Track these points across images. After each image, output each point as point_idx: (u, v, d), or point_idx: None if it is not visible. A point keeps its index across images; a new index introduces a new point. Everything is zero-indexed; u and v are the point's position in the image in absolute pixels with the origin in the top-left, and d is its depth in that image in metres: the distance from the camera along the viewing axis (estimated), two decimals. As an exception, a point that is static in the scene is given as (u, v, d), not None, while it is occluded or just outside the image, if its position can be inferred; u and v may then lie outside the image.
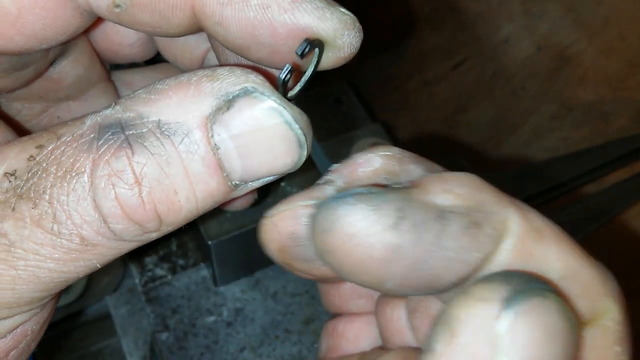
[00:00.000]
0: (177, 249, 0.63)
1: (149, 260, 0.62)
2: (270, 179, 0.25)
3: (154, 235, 0.24)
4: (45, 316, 0.27)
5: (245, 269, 0.60)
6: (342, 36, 0.25)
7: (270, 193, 0.53)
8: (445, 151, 1.02)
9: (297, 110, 0.24)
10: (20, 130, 0.32)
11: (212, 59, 0.34)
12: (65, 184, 0.22)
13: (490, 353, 0.18)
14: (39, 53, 0.29)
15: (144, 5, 0.25)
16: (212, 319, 0.58)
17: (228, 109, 0.23)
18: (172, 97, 0.23)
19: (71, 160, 0.23)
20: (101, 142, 0.23)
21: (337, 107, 0.90)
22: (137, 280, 0.60)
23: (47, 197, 0.22)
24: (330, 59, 0.26)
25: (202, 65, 0.34)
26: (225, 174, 0.24)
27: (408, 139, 1.06)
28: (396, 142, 0.87)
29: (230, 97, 0.23)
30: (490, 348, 0.18)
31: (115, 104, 0.24)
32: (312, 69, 0.26)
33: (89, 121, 0.23)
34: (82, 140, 0.23)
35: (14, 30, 0.25)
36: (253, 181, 0.25)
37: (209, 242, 0.51)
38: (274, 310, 0.59)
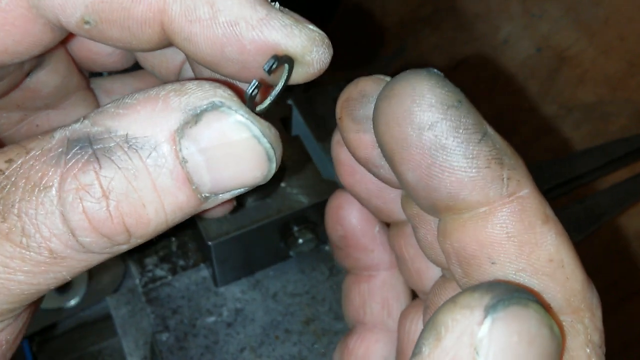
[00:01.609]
0: (177, 250, 0.63)
1: (149, 261, 0.62)
2: (241, 190, 0.25)
3: (123, 248, 0.25)
4: (20, 326, 0.27)
5: (246, 270, 0.60)
6: (310, 53, 0.26)
7: (270, 193, 0.53)
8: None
9: (265, 124, 0.24)
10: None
11: (188, 69, 0.34)
12: (34, 198, 0.23)
13: (470, 356, 0.19)
14: (13, 66, 0.29)
15: (113, 22, 0.25)
16: (212, 319, 0.58)
17: (196, 123, 0.23)
18: (141, 111, 0.23)
19: (39, 174, 0.23)
20: (69, 156, 0.23)
21: (337, 107, 0.90)
22: (137, 281, 0.60)
23: (15, 210, 0.23)
24: (300, 75, 0.27)
25: (179, 75, 0.35)
26: (194, 187, 0.24)
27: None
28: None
29: (198, 112, 0.23)
30: (471, 351, 0.19)
31: (84, 118, 0.24)
32: (282, 84, 0.26)
33: (58, 135, 0.24)
34: (51, 155, 0.23)
35: None
36: (223, 193, 0.25)
37: (209, 243, 0.51)
38: (274, 311, 0.59)
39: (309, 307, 0.59)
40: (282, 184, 0.54)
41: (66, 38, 0.29)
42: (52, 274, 0.24)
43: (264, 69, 0.25)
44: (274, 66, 0.25)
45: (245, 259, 0.58)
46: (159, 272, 0.61)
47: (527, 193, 0.23)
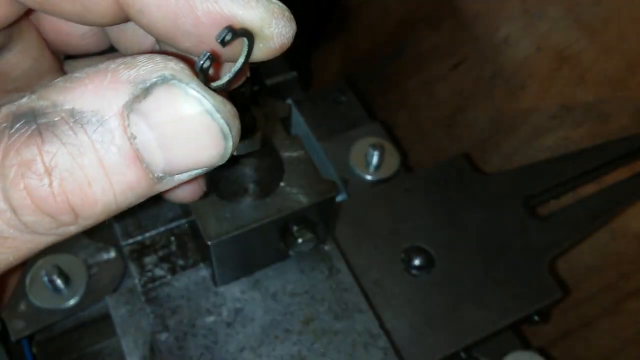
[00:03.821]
0: (176, 249, 0.63)
1: (149, 260, 0.62)
2: (198, 172, 0.24)
3: (71, 229, 0.24)
4: None
5: (245, 269, 0.60)
6: (269, 26, 0.25)
7: (270, 193, 0.53)
8: (444, 151, 1.02)
9: (219, 99, 0.23)
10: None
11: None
12: None
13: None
14: None
15: None
16: (211, 319, 0.58)
17: (145, 97, 0.22)
18: (88, 85, 0.23)
19: None
20: (12, 131, 0.22)
21: (337, 106, 0.90)
22: (136, 281, 0.60)
23: None
24: (262, 51, 0.26)
25: None
26: (144, 165, 0.23)
27: (407, 138, 1.06)
28: (396, 141, 0.87)
29: (148, 85, 0.23)
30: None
31: (32, 92, 0.23)
32: (242, 60, 0.25)
33: (4, 110, 0.23)
34: None
35: None
36: (179, 174, 0.24)
37: (209, 242, 0.51)
38: (273, 311, 0.59)
39: (308, 307, 0.59)
40: (282, 184, 0.54)
41: (29, 14, 0.28)
42: None
43: (217, 40, 0.23)
44: (227, 37, 0.23)
45: (244, 259, 0.58)
46: (158, 272, 0.61)
47: None
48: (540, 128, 0.88)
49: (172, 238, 0.63)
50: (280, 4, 0.25)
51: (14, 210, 0.22)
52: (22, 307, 0.69)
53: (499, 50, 0.90)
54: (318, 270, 0.61)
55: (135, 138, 0.22)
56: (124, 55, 0.34)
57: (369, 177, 0.79)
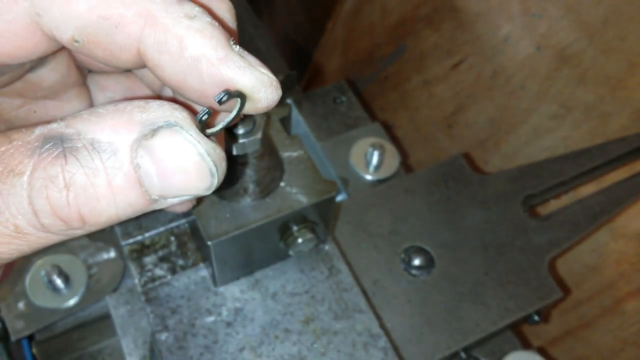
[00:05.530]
0: (176, 249, 0.63)
1: (149, 260, 0.62)
2: (188, 198, 0.30)
3: (78, 232, 0.29)
4: None
5: (245, 269, 0.60)
6: (259, 92, 0.30)
7: (270, 193, 0.53)
8: (444, 151, 1.02)
9: (211, 145, 0.29)
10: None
11: None
12: (8, 181, 0.27)
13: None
14: (15, 65, 0.33)
15: (98, 44, 0.30)
16: (211, 319, 0.58)
17: (152, 136, 0.28)
18: (108, 121, 0.28)
19: (16, 161, 0.27)
20: (43, 150, 0.27)
21: (337, 106, 0.90)
22: (136, 281, 0.60)
23: None
24: (251, 108, 0.31)
25: (162, 87, 0.40)
26: (144, 189, 0.28)
27: (407, 138, 1.06)
28: (396, 141, 0.87)
29: (155, 127, 0.28)
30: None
31: (62, 120, 0.28)
32: (233, 114, 0.31)
33: (37, 131, 0.28)
34: (28, 147, 0.27)
35: None
36: (171, 198, 0.29)
37: (209, 242, 0.51)
38: (273, 310, 0.59)
39: (308, 307, 0.59)
40: (282, 184, 0.54)
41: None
42: (15, 245, 0.28)
43: (215, 100, 0.29)
44: (224, 99, 0.29)
45: (244, 259, 0.58)
46: (158, 272, 0.61)
47: None
48: (540, 128, 0.88)
49: (172, 238, 0.63)
50: (270, 74, 0.31)
51: (35, 213, 0.27)
52: (22, 307, 0.69)
53: (499, 50, 0.90)
54: (318, 270, 0.61)
55: (140, 168, 0.28)
56: (139, 77, 0.40)
57: (369, 177, 0.79)
